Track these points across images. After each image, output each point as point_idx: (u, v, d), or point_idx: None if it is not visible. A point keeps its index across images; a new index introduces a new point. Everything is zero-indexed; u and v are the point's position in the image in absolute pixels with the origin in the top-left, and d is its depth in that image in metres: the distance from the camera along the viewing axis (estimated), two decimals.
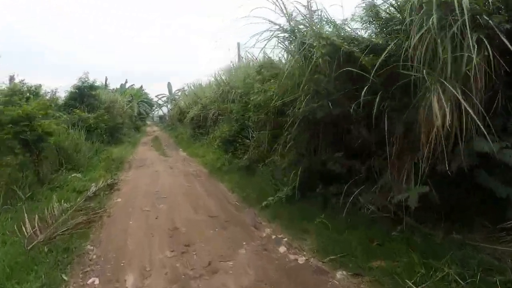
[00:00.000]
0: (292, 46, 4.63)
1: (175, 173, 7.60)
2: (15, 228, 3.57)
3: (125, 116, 17.50)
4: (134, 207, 4.83)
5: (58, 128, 7.29)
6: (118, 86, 25.26)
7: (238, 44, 11.54)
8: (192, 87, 17.29)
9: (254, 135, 6.81)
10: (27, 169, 5.86)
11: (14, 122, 5.65)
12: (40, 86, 13.19)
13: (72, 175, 6.67)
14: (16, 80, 13.80)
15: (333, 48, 3.52)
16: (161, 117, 37.97)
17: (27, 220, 3.65)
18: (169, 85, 33.05)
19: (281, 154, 5.13)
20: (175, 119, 21.77)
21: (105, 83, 17.39)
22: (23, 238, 3.35)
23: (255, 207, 4.55)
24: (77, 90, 12.37)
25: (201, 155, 9.40)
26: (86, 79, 12.63)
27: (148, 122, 37.45)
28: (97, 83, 13.39)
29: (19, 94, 12.18)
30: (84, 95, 12.44)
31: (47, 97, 12.38)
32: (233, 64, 11.63)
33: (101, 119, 11.13)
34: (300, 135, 4.43)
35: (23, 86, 13.06)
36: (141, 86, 30.37)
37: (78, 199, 4.91)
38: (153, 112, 37.56)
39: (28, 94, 12.32)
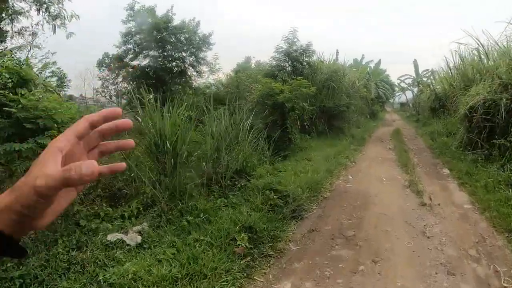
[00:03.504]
0: None
1: None
2: None
3: (356, 97, 12.39)
4: None
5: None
6: (352, 62, 20.60)
7: None
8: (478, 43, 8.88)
9: None
10: None
11: None
12: None
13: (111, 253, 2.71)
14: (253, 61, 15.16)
15: None
16: (402, 104, 31.67)
17: None
18: (415, 63, 23.67)
19: None
20: (425, 109, 15.57)
21: (336, 57, 13.24)
22: None
23: None
24: (281, 56, 8.84)
25: None
26: (295, 40, 8.81)
27: (388, 109, 31.40)
28: (312, 48, 9.24)
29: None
30: (292, 61, 8.77)
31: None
32: None
33: (299, 92, 6.76)
34: None
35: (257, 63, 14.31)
36: (379, 61, 24.04)
37: None
38: (394, 97, 30.86)
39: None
